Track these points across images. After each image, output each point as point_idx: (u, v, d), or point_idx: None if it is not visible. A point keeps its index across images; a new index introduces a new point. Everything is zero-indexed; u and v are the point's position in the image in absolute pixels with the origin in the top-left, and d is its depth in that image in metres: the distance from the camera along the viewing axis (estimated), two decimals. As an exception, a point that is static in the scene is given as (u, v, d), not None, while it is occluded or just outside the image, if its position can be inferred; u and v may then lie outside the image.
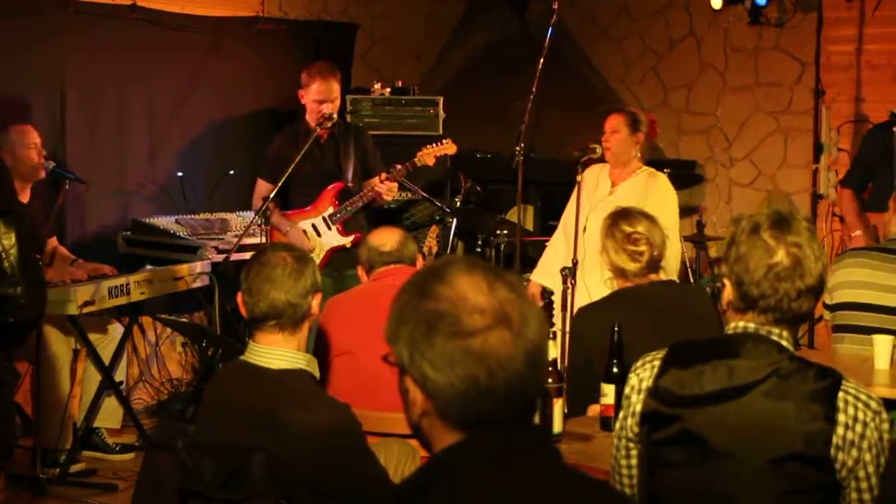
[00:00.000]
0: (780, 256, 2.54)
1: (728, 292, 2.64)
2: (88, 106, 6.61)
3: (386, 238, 4.22)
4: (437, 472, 1.77)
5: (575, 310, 4.92)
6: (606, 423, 3.45)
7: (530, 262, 7.46)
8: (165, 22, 6.91)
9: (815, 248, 2.56)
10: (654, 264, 3.95)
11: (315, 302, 3.10)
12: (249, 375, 3.05)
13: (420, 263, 4.27)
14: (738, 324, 2.63)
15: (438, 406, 1.75)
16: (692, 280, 7.23)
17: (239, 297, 3.12)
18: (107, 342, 5.87)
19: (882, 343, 4.36)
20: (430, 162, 6.00)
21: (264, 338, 3.06)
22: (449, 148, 6.05)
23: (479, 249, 7.20)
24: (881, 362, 4.34)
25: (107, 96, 6.71)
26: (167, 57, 6.99)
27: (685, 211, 6.05)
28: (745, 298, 2.59)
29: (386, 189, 5.84)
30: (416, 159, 5.96)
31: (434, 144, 6.04)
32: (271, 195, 5.64)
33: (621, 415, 2.73)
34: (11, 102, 6.16)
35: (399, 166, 5.93)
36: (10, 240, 3.19)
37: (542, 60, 5.97)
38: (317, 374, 3.11)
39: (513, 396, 1.74)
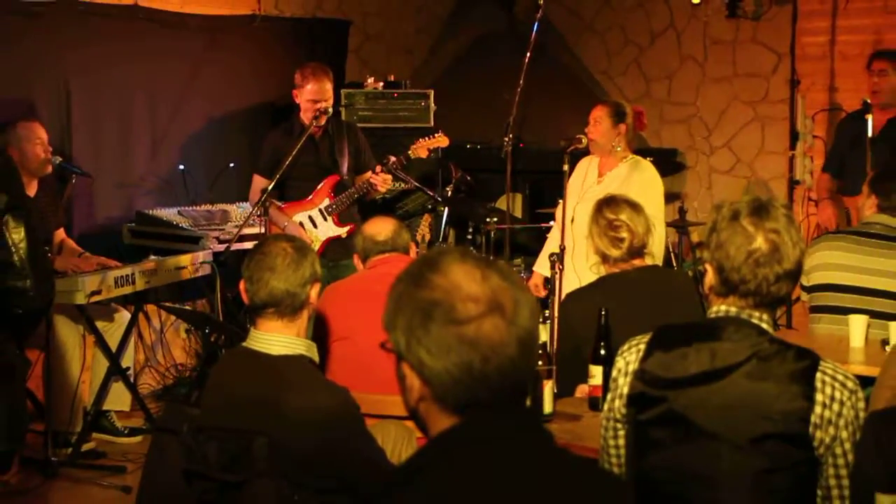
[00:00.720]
0: (759, 242, 2.54)
1: (710, 277, 2.63)
2: (93, 102, 6.58)
3: (380, 228, 4.20)
4: (434, 453, 1.77)
5: (561, 293, 4.94)
6: (594, 404, 3.46)
7: (520, 249, 7.48)
8: (166, 20, 6.88)
9: (792, 233, 2.56)
10: (636, 251, 3.93)
11: (314, 291, 3.08)
12: (251, 361, 3.04)
13: (413, 251, 4.26)
14: (719, 308, 2.63)
15: (435, 391, 1.75)
16: (675, 264, 7.23)
17: (241, 285, 3.11)
18: (114, 329, 5.85)
19: (857, 323, 4.37)
20: (424, 154, 6.00)
21: (264, 324, 3.05)
22: (441, 141, 6.06)
23: (469, 237, 7.19)
24: (856, 341, 4.35)
25: (110, 93, 6.68)
26: (168, 54, 6.96)
27: (667, 197, 6.05)
28: (726, 283, 2.59)
29: (381, 181, 5.84)
30: (409, 151, 5.96)
31: (427, 137, 6.04)
32: (269, 187, 5.64)
33: (609, 396, 2.73)
34: (19, 100, 6.13)
35: (393, 158, 5.92)
36: (19, 234, 3.18)
37: (528, 54, 5.97)
38: (316, 358, 3.10)
39: (506, 381, 1.73)
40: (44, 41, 6.26)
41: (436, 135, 6.08)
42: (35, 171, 5.57)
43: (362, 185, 5.87)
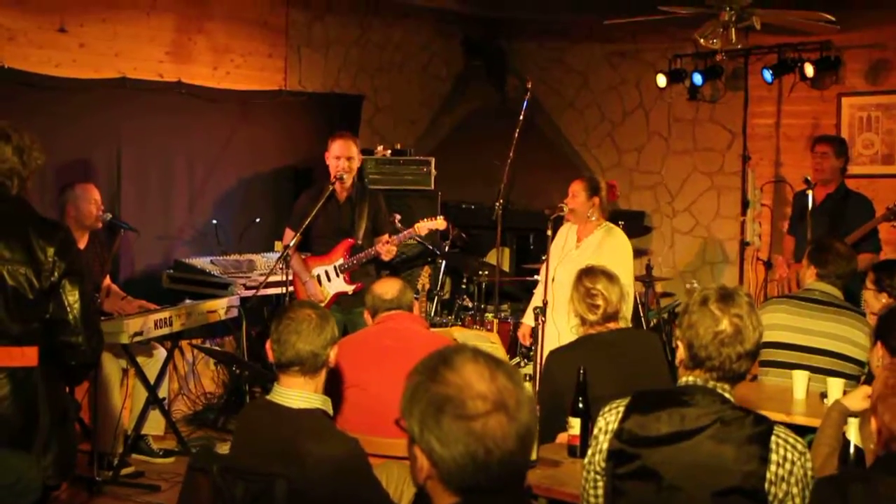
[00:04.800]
0: (725, 325, 2.52)
1: (681, 352, 2.61)
2: (140, 165, 6.57)
3: (387, 287, 4.14)
4: None
5: (543, 342, 4.90)
6: (573, 451, 3.41)
7: (507, 296, 7.45)
8: (204, 95, 6.87)
9: (753, 319, 2.54)
10: (610, 316, 3.88)
11: (332, 353, 3.05)
12: (273, 413, 3.00)
13: (416, 309, 4.21)
14: (688, 378, 2.61)
15: (441, 474, 1.72)
16: (642, 312, 7.19)
17: (267, 345, 3.07)
18: (152, 363, 5.79)
19: (799, 378, 4.33)
20: (423, 232, 5.98)
21: (287, 381, 3.01)
22: (440, 224, 6.00)
23: (464, 286, 7.16)
24: (799, 394, 4.31)
25: (155, 157, 6.67)
26: (205, 124, 6.95)
27: (636, 254, 6.03)
28: (695, 359, 2.57)
29: (385, 251, 5.80)
30: (412, 229, 5.92)
31: (429, 219, 5.98)
32: (291, 243, 5.65)
33: (590, 452, 2.69)
34: (76, 164, 6.11)
35: (397, 236, 5.89)
36: (74, 296, 3.14)
37: (518, 128, 5.97)
38: (331, 412, 3.06)
39: (504, 470, 1.70)
40: (100, 113, 6.26)
41: (437, 218, 6.02)
42: (88, 226, 5.55)
43: (370, 251, 5.85)
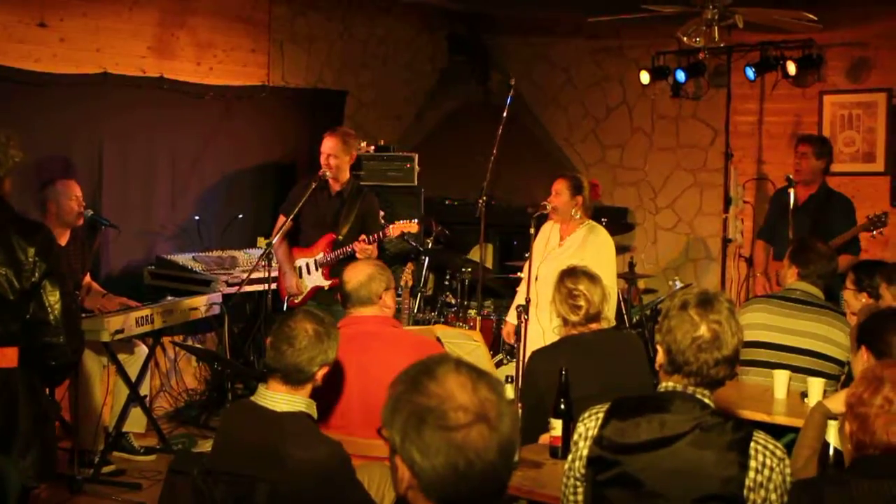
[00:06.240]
0: (703, 331, 2.53)
1: (660, 357, 2.62)
2: (122, 161, 6.53)
3: (352, 275, 3.91)
4: None
5: (526, 341, 4.90)
6: (555, 452, 3.42)
7: (490, 292, 7.46)
8: (187, 90, 6.85)
9: (732, 324, 2.54)
10: (592, 317, 3.89)
11: (321, 373, 3.03)
12: (257, 415, 2.99)
13: (389, 299, 3.98)
14: (667, 384, 2.62)
15: (422, 484, 1.72)
16: (625, 309, 7.21)
17: (267, 342, 3.08)
18: (133, 360, 5.77)
19: (780, 377, 4.35)
20: (396, 233, 5.91)
21: (273, 385, 3.02)
22: (412, 227, 5.94)
23: (447, 283, 7.17)
24: (780, 393, 4.34)
25: (137, 153, 6.63)
26: (187, 119, 6.92)
27: (618, 250, 6.03)
28: (673, 364, 2.58)
29: (360, 250, 5.75)
30: (385, 229, 5.89)
31: (402, 221, 5.95)
32: (275, 240, 5.66)
33: (570, 458, 2.70)
34: (57, 160, 6.08)
35: (370, 236, 5.88)
36: (55, 296, 3.14)
37: (501, 125, 5.97)
38: (315, 415, 3.06)
39: (485, 482, 1.71)
40: (81, 109, 6.21)
41: (410, 221, 6.00)
42: (69, 223, 5.52)
43: (347, 249, 5.83)
